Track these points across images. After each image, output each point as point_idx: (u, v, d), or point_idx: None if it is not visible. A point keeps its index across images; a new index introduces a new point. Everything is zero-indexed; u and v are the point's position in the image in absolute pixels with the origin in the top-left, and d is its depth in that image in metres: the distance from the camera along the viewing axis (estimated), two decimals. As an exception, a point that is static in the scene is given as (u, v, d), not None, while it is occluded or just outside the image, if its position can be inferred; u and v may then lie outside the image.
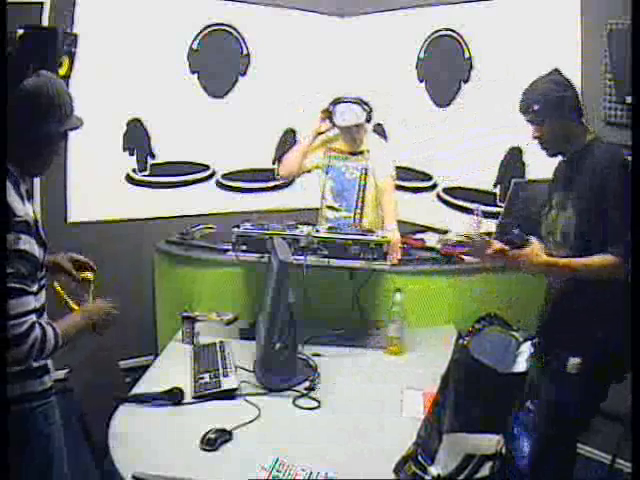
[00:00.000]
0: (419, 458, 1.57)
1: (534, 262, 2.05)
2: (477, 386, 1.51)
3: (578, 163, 2.09)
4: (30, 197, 1.71)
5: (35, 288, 1.64)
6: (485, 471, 1.51)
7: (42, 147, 1.68)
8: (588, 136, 2.10)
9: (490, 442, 1.51)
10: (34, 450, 1.70)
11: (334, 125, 3.28)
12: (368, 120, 3.30)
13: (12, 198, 1.59)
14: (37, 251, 1.62)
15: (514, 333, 1.62)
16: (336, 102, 3.25)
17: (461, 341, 1.55)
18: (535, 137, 2.13)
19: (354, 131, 3.25)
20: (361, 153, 3.32)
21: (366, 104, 3.25)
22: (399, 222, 3.21)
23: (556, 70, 2.11)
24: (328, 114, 3.28)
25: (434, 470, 1.53)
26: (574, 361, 2.02)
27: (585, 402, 2.05)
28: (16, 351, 1.57)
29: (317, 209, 3.53)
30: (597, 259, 1.97)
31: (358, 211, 3.31)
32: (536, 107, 2.06)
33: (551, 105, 2.04)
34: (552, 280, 2.22)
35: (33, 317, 1.60)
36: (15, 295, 1.56)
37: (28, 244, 1.58)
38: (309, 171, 3.48)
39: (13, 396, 1.64)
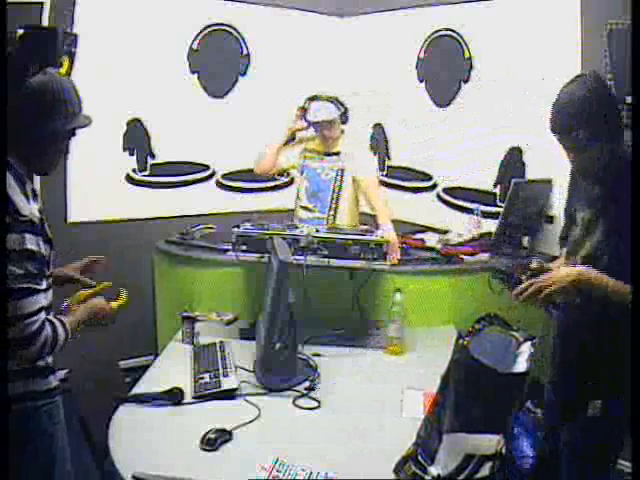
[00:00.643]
0: (419, 458, 1.57)
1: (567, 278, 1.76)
2: (477, 386, 1.51)
3: (614, 184, 1.80)
4: (36, 196, 1.71)
5: (44, 285, 1.65)
6: (485, 471, 1.51)
7: (48, 145, 1.68)
8: (622, 153, 1.79)
9: (490, 442, 1.51)
10: (37, 449, 1.70)
11: (308, 123, 3.30)
12: (344, 121, 3.32)
13: (17, 197, 1.59)
14: (43, 248, 1.63)
15: (514, 333, 1.63)
16: (311, 99, 3.29)
17: (461, 341, 1.56)
18: (572, 162, 1.83)
19: (326, 127, 3.25)
20: (337, 154, 3.32)
21: (341, 103, 3.27)
22: (400, 222, 3.22)
23: (593, 74, 1.73)
24: (303, 111, 3.30)
25: (434, 470, 1.53)
26: (595, 404, 1.85)
27: (614, 440, 1.91)
28: (28, 350, 1.59)
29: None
30: (625, 285, 1.71)
31: (332, 213, 3.32)
32: (581, 133, 1.70)
33: (598, 127, 1.68)
34: (558, 323, 2.04)
35: (43, 315, 1.62)
36: (25, 295, 1.57)
37: (35, 243, 1.59)
38: (286, 171, 3.48)
39: (17, 394, 1.65)
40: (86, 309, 1.84)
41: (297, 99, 3.64)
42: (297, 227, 2.79)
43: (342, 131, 3.34)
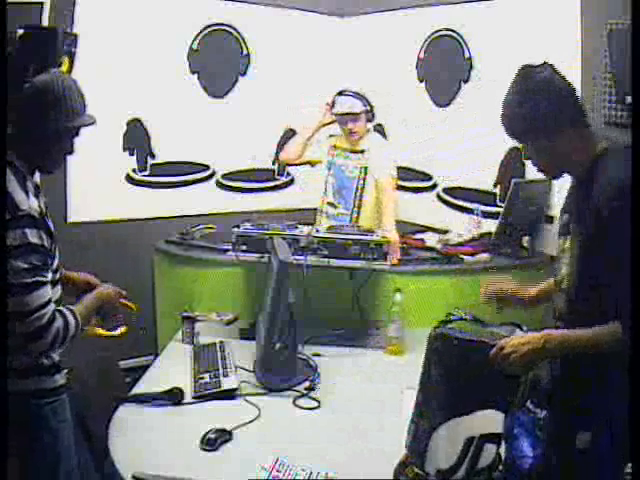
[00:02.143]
0: (420, 461, 1.56)
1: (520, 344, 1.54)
2: (468, 364, 1.52)
3: (583, 186, 1.60)
4: (39, 192, 1.72)
5: (50, 277, 1.66)
6: (488, 458, 1.50)
7: (51, 144, 1.69)
8: (597, 147, 1.59)
9: (490, 419, 1.50)
10: (44, 447, 1.71)
11: (333, 115, 3.35)
12: (369, 119, 3.36)
13: (16, 193, 1.60)
14: (46, 241, 1.63)
15: (488, 329, 1.63)
16: (339, 94, 3.35)
17: (435, 331, 1.57)
18: (527, 159, 1.78)
19: (350, 119, 3.28)
20: (362, 152, 3.36)
21: (367, 101, 3.31)
22: (399, 222, 3.21)
23: (527, 67, 1.65)
24: (331, 106, 3.37)
25: (434, 468, 1.52)
26: (583, 436, 1.63)
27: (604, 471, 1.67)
28: (39, 343, 1.61)
29: (316, 209, 3.55)
30: (605, 331, 1.51)
31: (355, 209, 3.36)
32: (512, 129, 1.64)
33: (531, 123, 1.57)
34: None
35: (52, 306, 1.63)
36: (32, 289, 1.58)
37: (37, 236, 1.60)
38: (309, 163, 3.51)
39: (23, 392, 1.66)
40: (95, 297, 1.85)
41: (297, 99, 3.65)
42: (297, 227, 2.79)
43: (368, 130, 3.39)
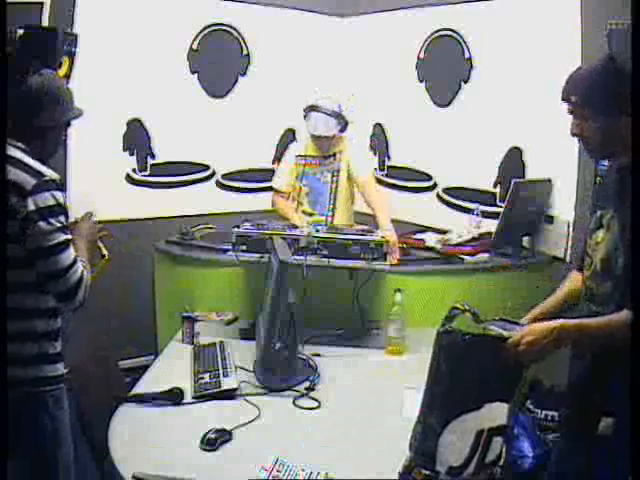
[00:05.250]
0: (429, 461, 1.56)
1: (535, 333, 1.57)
2: (475, 358, 1.52)
3: (627, 173, 1.62)
4: None
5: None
6: (496, 450, 1.51)
7: (48, 135, 1.78)
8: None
9: (498, 411, 1.51)
10: (45, 432, 1.74)
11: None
12: (342, 130, 3.37)
13: (35, 163, 1.67)
14: (66, 204, 1.71)
15: (483, 324, 1.64)
16: (312, 109, 3.31)
17: (443, 328, 1.57)
18: (574, 134, 1.72)
19: (324, 140, 3.32)
20: (333, 155, 3.38)
21: (342, 117, 3.31)
22: (400, 222, 3.21)
23: (610, 58, 1.69)
24: (304, 117, 3.34)
25: (443, 467, 1.52)
26: (607, 422, 1.64)
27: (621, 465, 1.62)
28: (75, 299, 1.69)
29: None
30: (617, 318, 1.56)
31: (330, 214, 3.37)
32: (573, 98, 1.67)
33: (596, 96, 1.63)
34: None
35: (80, 262, 1.72)
36: (64, 248, 1.67)
37: (63, 198, 1.68)
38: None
39: (26, 379, 1.70)
40: (84, 243, 1.88)
41: (297, 99, 3.64)
42: (297, 227, 2.79)
43: (340, 138, 3.39)
